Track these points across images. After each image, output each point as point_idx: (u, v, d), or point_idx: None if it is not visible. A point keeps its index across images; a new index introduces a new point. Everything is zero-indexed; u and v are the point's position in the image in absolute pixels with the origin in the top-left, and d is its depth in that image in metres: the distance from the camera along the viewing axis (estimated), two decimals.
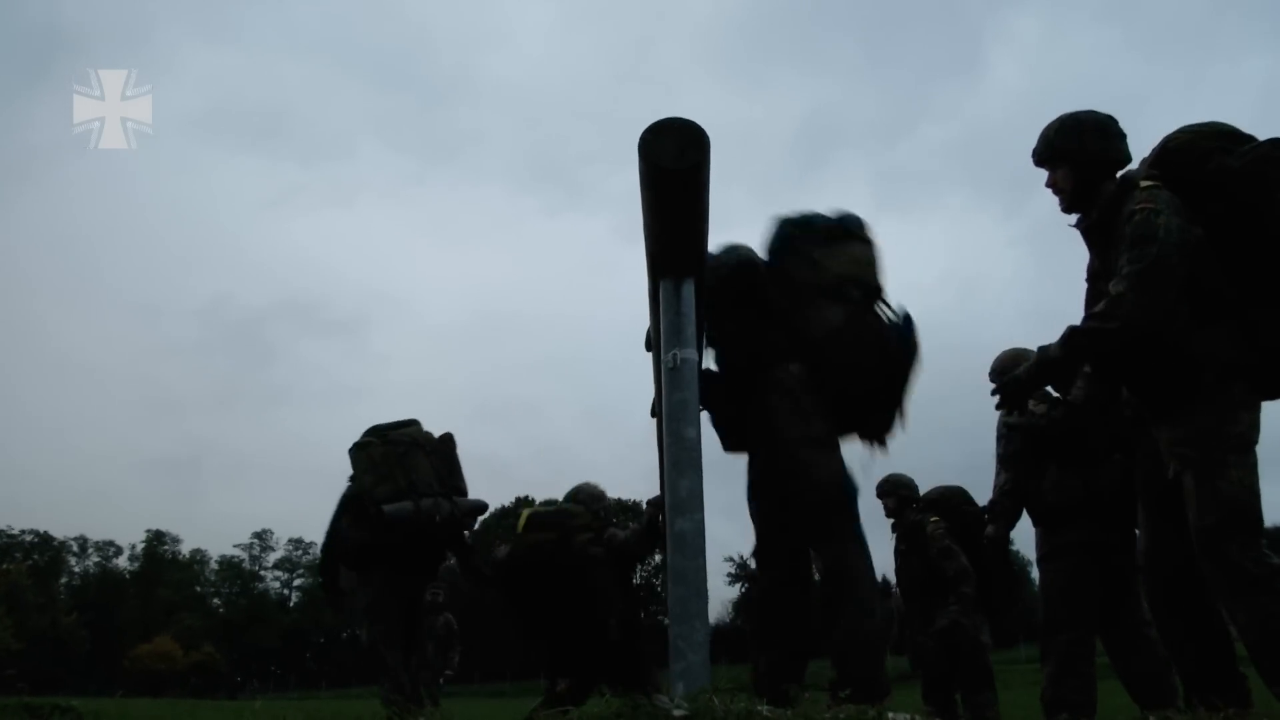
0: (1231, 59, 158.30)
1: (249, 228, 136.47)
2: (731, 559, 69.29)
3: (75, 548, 79.27)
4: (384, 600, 5.21)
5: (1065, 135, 2.94)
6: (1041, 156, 3.01)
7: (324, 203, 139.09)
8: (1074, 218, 2.99)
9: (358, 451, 5.41)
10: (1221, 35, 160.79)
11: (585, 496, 5.09)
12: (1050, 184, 3.01)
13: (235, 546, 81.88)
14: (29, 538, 77.00)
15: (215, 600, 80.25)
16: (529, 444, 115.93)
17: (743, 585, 69.63)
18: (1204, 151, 2.74)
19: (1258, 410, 2.69)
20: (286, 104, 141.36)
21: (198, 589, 79.58)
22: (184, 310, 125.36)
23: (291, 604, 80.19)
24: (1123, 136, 2.95)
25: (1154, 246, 2.58)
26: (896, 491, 5.85)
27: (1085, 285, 3.01)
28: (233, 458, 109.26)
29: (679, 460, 2.42)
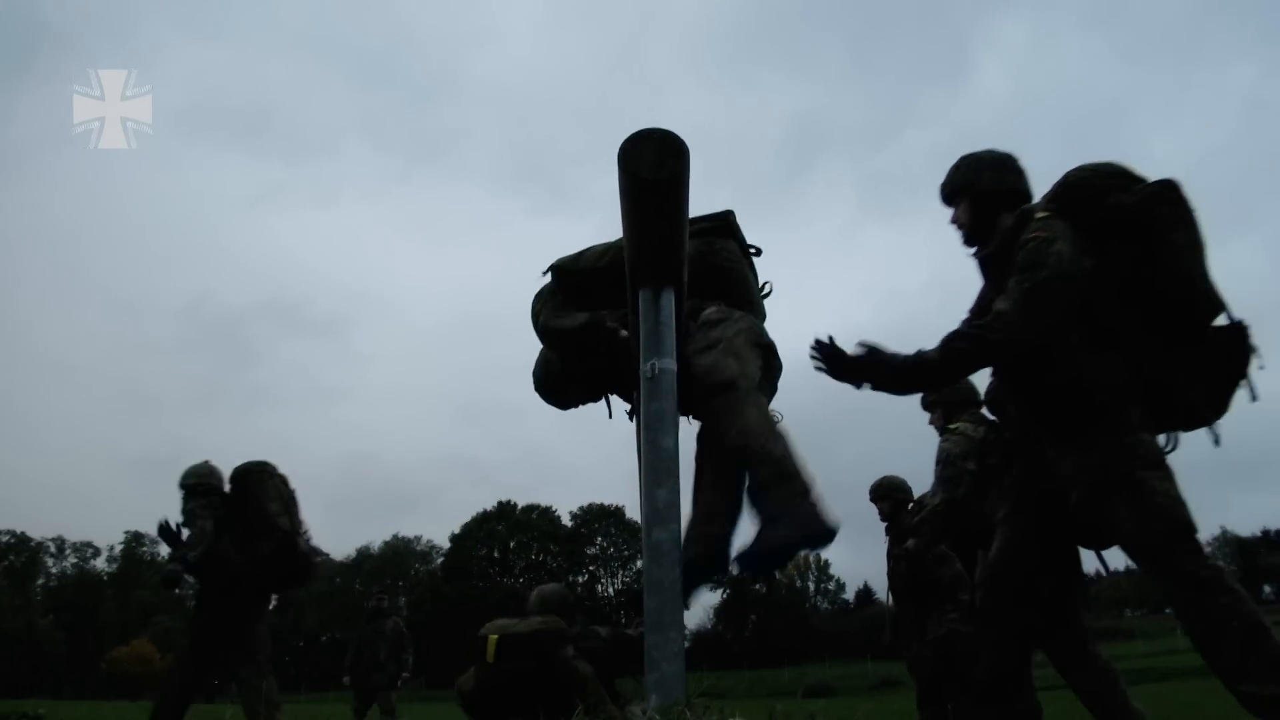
0: (1217, 66, 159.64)
1: (231, 226, 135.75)
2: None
3: (53, 548, 78.69)
4: (221, 622, 5.89)
5: (963, 172, 3.10)
6: (945, 194, 3.15)
7: (307, 201, 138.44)
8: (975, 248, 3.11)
9: (265, 479, 5.90)
10: (1207, 42, 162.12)
11: (556, 603, 4.78)
12: (953, 220, 3.14)
13: None
14: (5, 538, 76.33)
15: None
16: (511, 447, 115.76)
17: (725, 591, 69.79)
18: (1101, 189, 2.85)
19: (1155, 433, 2.81)
20: (270, 101, 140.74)
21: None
22: (164, 309, 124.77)
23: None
24: (1021, 172, 3.09)
25: (1043, 271, 2.69)
26: (891, 495, 5.82)
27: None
28: (213, 459, 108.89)
29: (656, 469, 2.42)
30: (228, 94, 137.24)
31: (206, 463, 6.10)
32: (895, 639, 6.00)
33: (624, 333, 2.96)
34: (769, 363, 3.02)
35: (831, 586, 79.16)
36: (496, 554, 76.14)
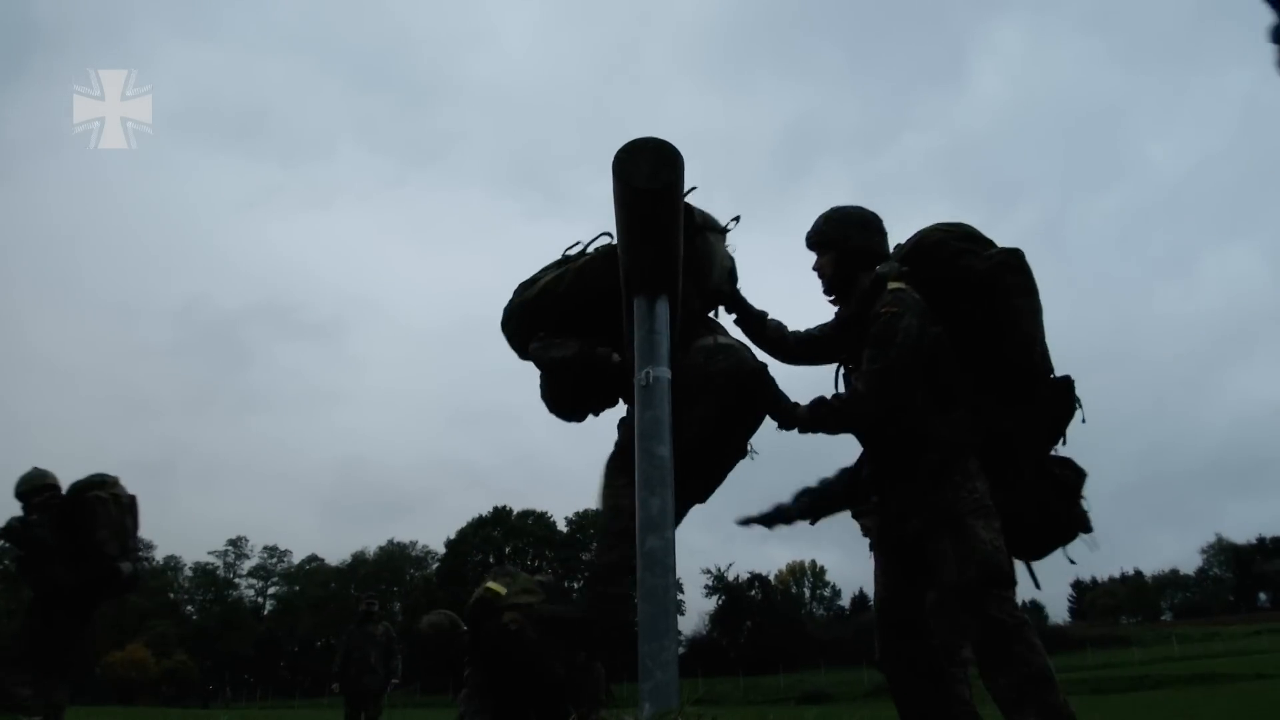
0: (1214, 71, 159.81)
1: (226, 228, 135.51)
2: (709, 571, 69.32)
3: None
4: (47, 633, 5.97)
5: (834, 225, 3.27)
6: (812, 241, 3.31)
7: (302, 204, 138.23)
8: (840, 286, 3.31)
9: (97, 505, 6.07)
10: (1204, 46, 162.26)
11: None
12: (816, 267, 3.33)
13: (210, 553, 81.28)
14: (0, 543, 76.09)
15: (189, 607, 79.55)
16: (506, 451, 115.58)
17: (720, 597, 69.73)
18: (954, 251, 3.07)
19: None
20: (265, 103, 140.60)
21: (171, 596, 78.86)
22: (159, 311, 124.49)
23: (266, 612, 79.64)
24: (884, 234, 3.29)
25: (892, 350, 2.85)
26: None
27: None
28: (207, 462, 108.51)
29: (650, 478, 2.43)
30: (222, 96, 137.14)
31: (42, 471, 6.18)
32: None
33: (616, 357, 3.00)
34: (752, 388, 3.09)
35: (827, 593, 79.20)
36: (492, 560, 75.99)
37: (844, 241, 3.23)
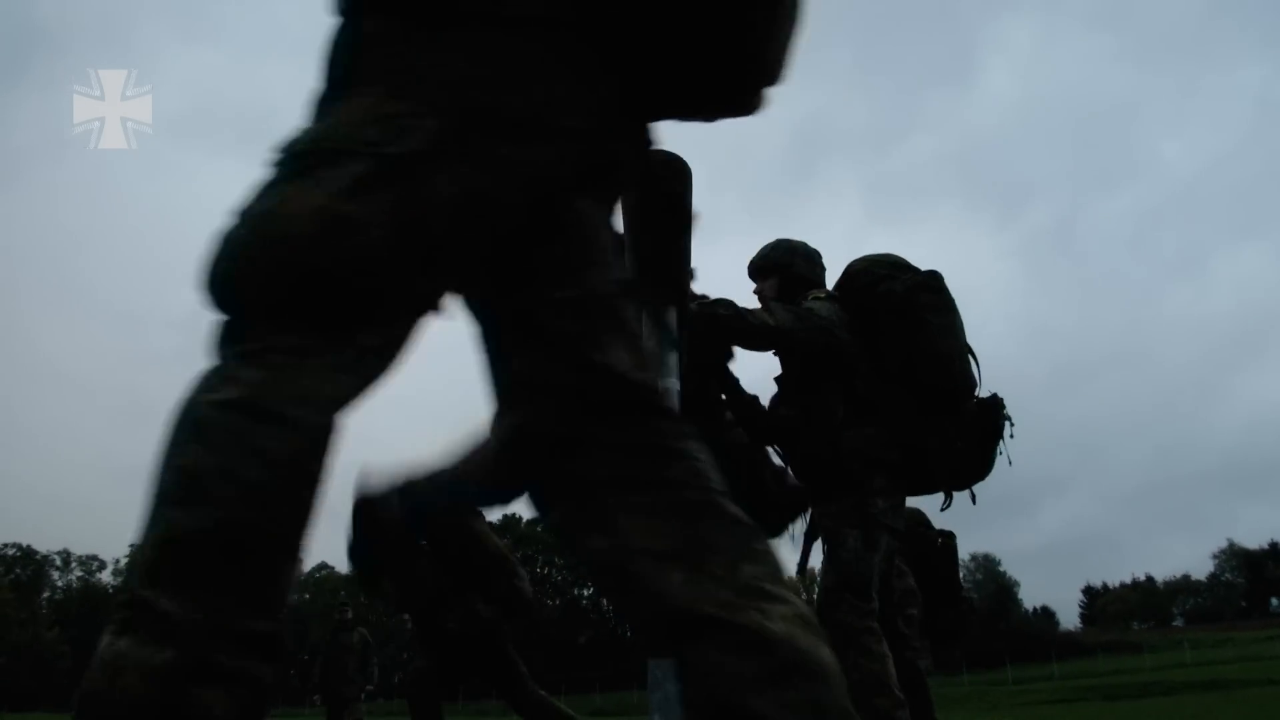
0: (1225, 68, 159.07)
1: None
2: None
3: (58, 561, 78.86)
4: None
5: (781, 253, 3.51)
6: (756, 267, 3.54)
7: None
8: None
9: None
10: (1215, 44, 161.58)
11: None
12: (756, 292, 3.52)
13: None
14: (12, 551, 76.54)
15: None
16: None
17: None
18: (877, 277, 3.23)
19: (899, 498, 3.21)
20: (270, 106, 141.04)
21: None
22: (166, 320, 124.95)
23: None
24: (823, 268, 3.52)
25: (806, 312, 3.14)
26: None
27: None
28: None
29: None
30: (227, 99, 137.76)
31: None
32: None
33: None
34: None
35: None
36: None
37: (788, 268, 3.45)
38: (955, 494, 3.28)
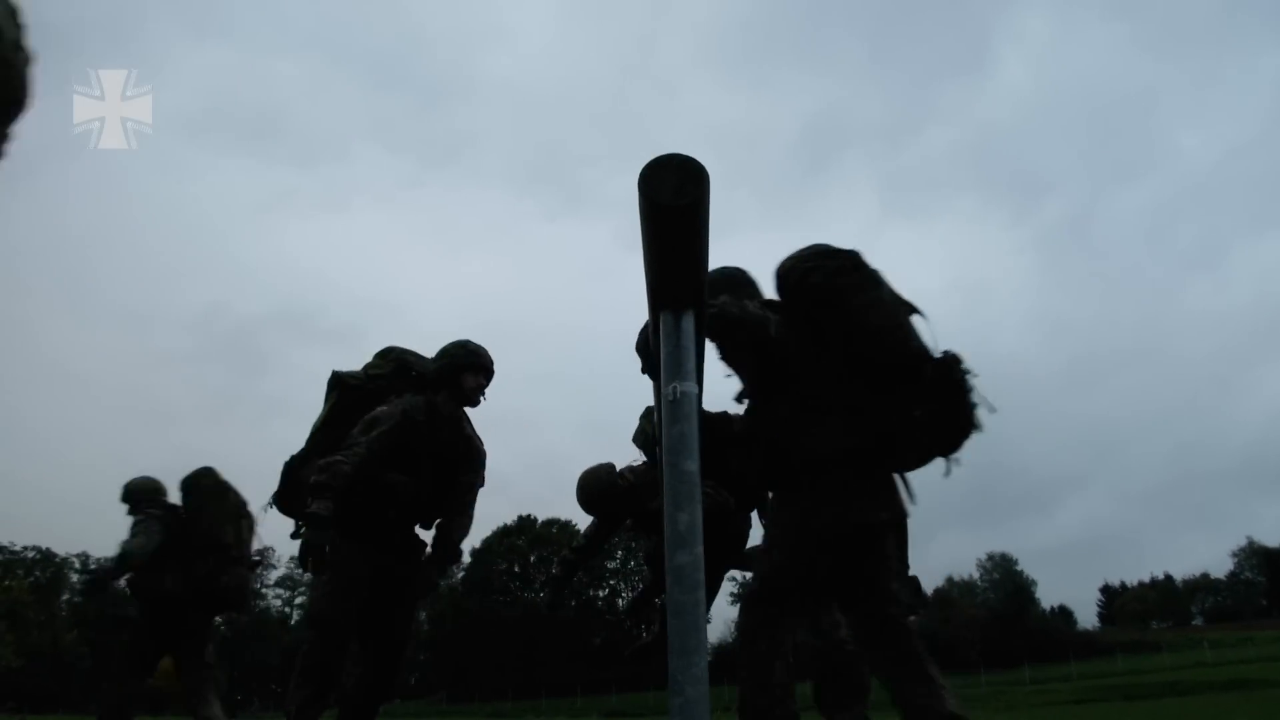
0: (1244, 56, 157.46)
1: (242, 233, 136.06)
2: (734, 578, 69.24)
3: (77, 564, 79.22)
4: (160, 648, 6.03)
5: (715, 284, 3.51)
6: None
7: (318, 207, 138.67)
8: None
9: (220, 495, 6.06)
10: (1234, 32, 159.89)
11: None
12: None
13: None
14: (31, 554, 76.99)
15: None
16: (527, 458, 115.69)
17: None
18: (804, 270, 3.23)
19: (873, 486, 3.21)
20: (279, 104, 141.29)
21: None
22: (177, 320, 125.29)
23: (293, 622, 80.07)
24: (754, 285, 3.57)
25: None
26: None
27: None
28: (228, 472, 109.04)
29: (678, 493, 2.43)
30: (236, 98, 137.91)
31: (150, 478, 6.15)
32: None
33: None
34: None
35: None
36: (517, 569, 76.24)
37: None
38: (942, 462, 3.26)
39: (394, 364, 4.18)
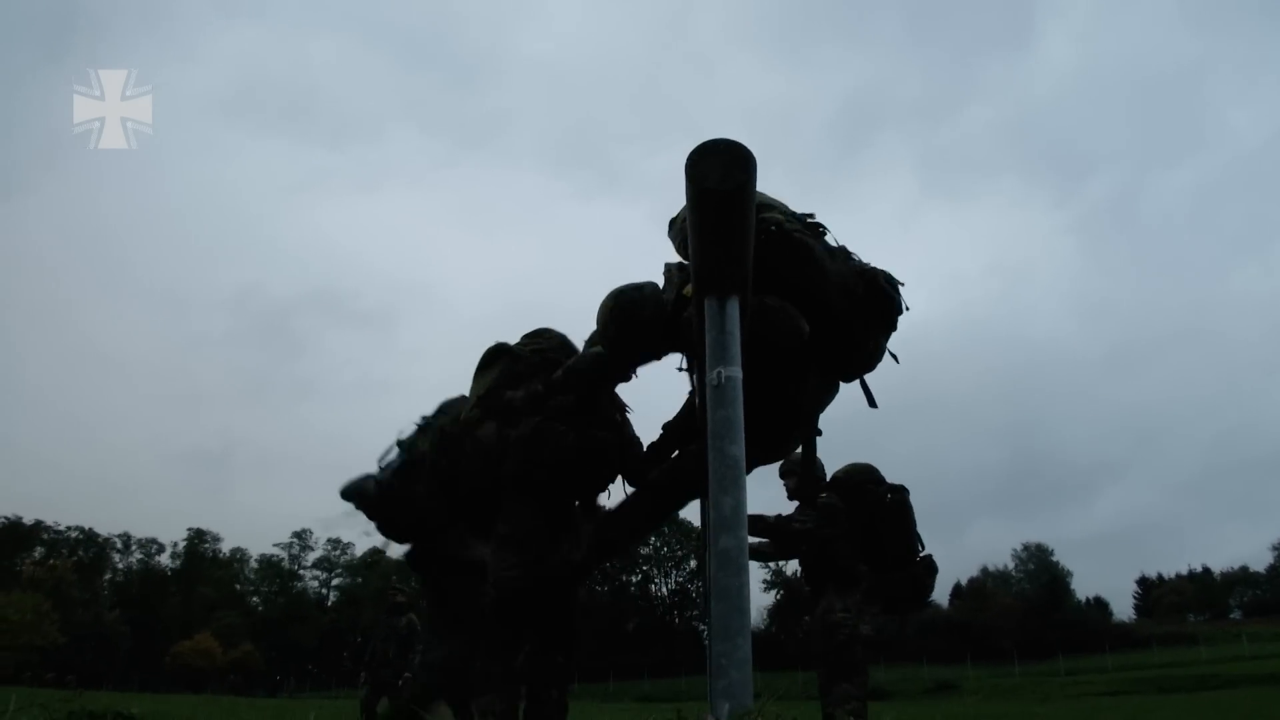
0: None
1: (275, 214, 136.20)
2: (768, 565, 69.11)
3: (119, 544, 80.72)
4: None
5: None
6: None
7: (352, 188, 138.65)
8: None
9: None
10: None
11: None
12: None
13: (275, 546, 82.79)
14: (75, 534, 78.44)
15: (254, 599, 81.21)
16: None
17: (778, 592, 69.49)
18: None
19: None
20: (312, 84, 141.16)
21: (237, 587, 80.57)
22: (211, 301, 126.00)
23: (330, 603, 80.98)
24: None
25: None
26: (796, 471, 5.37)
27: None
28: (264, 453, 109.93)
29: (723, 478, 2.45)
30: (268, 78, 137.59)
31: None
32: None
33: None
34: None
35: None
36: None
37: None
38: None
39: (556, 339, 4.12)
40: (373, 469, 4.88)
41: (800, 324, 3.00)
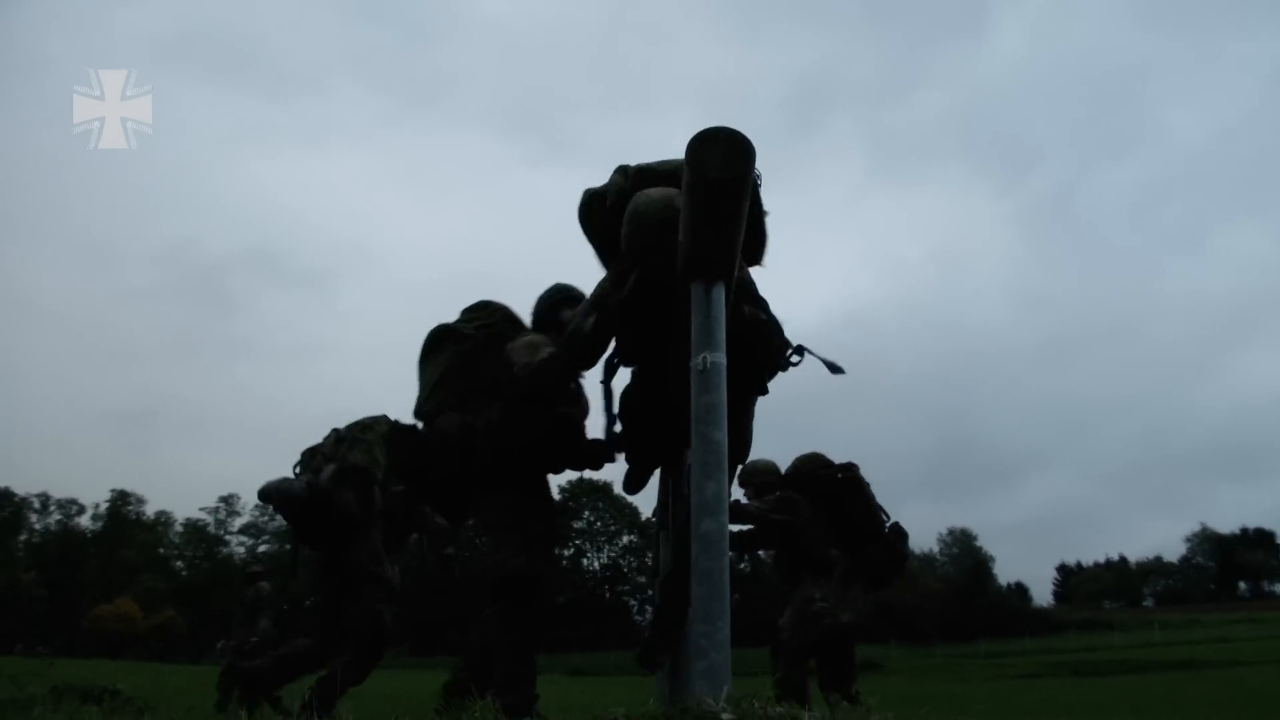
0: (1242, 36, 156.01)
1: (211, 166, 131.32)
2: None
3: (37, 504, 78.45)
4: None
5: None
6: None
7: (293, 142, 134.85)
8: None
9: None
10: (1236, 9, 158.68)
11: None
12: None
13: (201, 510, 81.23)
14: None
15: (178, 563, 79.64)
16: None
17: (745, 564, 70.03)
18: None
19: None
20: (255, 30, 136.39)
21: (161, 551, 78.92)
22: (141, 253, 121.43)
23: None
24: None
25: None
26: (753, 480, 5.79)
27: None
28: (192, 412, 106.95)
29: (706, 462, 2.47)
30: (210, 23, 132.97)
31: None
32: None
33: None
34: None
35: None
36: None
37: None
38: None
39: (501, 313, 4.02)
40: (288, 473, 4.89)
41: None
